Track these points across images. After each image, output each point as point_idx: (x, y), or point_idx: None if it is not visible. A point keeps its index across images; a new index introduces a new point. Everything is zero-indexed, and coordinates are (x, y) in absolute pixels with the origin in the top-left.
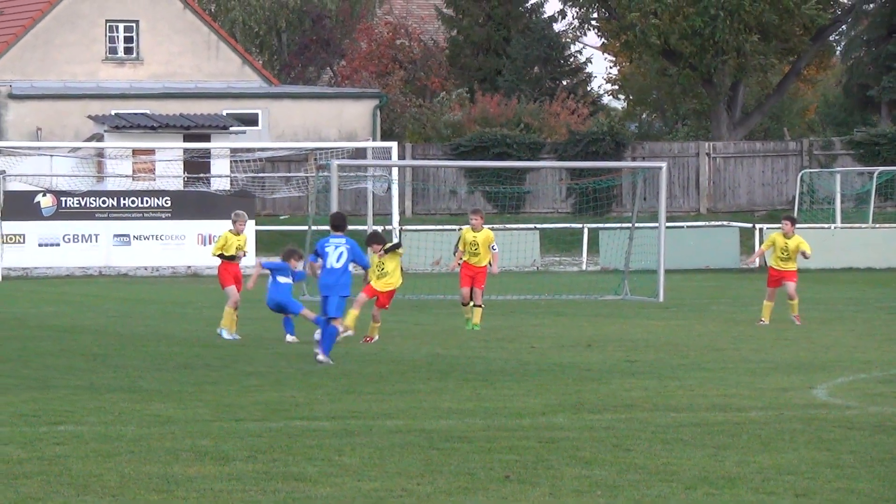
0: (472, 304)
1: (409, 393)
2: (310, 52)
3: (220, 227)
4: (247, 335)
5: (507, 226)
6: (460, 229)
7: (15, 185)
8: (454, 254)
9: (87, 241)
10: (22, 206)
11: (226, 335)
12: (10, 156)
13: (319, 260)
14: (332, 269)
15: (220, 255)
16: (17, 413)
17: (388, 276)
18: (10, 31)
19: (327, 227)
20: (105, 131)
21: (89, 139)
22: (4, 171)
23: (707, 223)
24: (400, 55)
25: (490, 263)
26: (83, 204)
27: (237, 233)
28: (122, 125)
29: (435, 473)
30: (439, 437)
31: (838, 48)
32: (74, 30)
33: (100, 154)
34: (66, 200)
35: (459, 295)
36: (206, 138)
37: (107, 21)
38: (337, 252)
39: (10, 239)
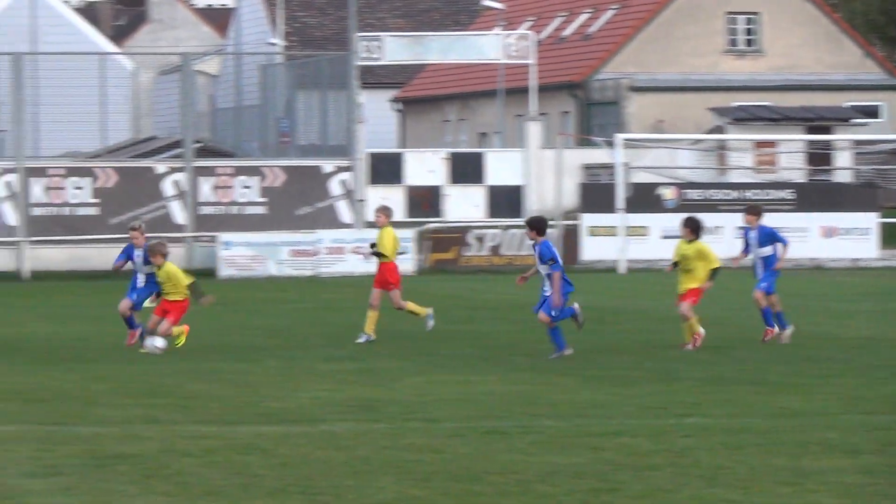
0: None
1: None
2: None
3: (844, 220)
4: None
5: None
6: None
7: (639, 177)
8: None
9: (709, 233)
10: (645, 198)
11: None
12: (633, 148)
13: None
14: None
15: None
16: (644, 406)
17: None
18: (631, 24)
19: None
20: (727, 123)
21: (710, 131)
22: (628, 163)
23: None
24: None
25: None
26: (706, 196)
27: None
28: (743, 117)
29: None
30: None
31: None
32: (695, 22)
33: (721, 146)
34: (688, 192)
35: None
36: (828, 130)
37: (727, 13)
38: None
39: (634, 231)
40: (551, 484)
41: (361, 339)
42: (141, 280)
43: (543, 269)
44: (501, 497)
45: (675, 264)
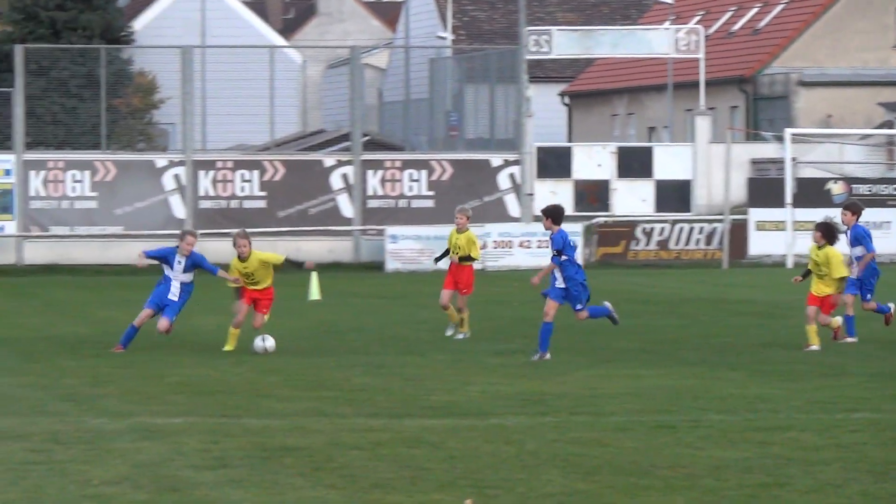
0: None
1: None
2: None
3: None
4: None
5: None
6: None
7: (807, 172)
8: None
9: (877, 229)
10: (813, 193)
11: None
12: (802, 143)
13: None
14: None
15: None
16: (812, 400)
17: None
18: (801, 19)
19: None
20: None
21: (880, 126)
22: (796, 158)
23: None
24: None
25: None
26: (874, 191)
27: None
28: None
29: None
30: None
31: None
32: (865, 17)
33: (891, 141)
34: (857, 188)
35: None
36: None
37: None
38: None
39: (802, 226)
40: (719, 478)
41: (459, 336)
42: (175, 289)
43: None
44: (669, 491)
45: (805, 274)
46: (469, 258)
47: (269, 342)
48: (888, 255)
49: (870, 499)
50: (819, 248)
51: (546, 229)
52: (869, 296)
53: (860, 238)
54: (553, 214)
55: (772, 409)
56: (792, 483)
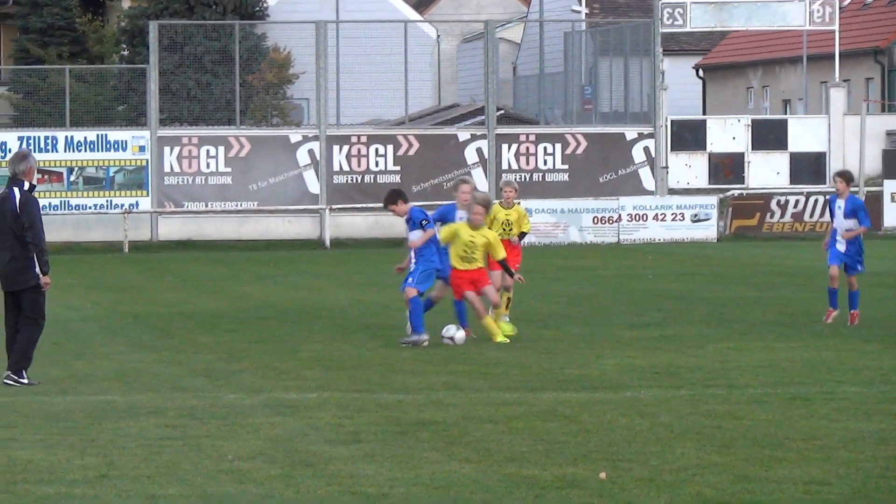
0: None
1: None
2: None
3: None
4: None
5: None
6: None
7: None
8: None
9: None
10: None
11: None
12: None
13: None
14: None
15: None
16: None
17: None
18: None
19: None
20: None
21: None
22: None
23: None
24: None
25: None
26: None
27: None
28: None
29: None
30: None
31: None
32: None
33: None
34: None
35: None
36: None
37: None
38: None
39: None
40: (854, 450)
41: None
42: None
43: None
44: (803, 463)
45: None
46: (523, 234)
47: (459, 334)
48: None
49: None
50: None
51: (400, 214)
52: (860, 267)
53: (858, 210)
54: (395, 197)
55: None
56: None
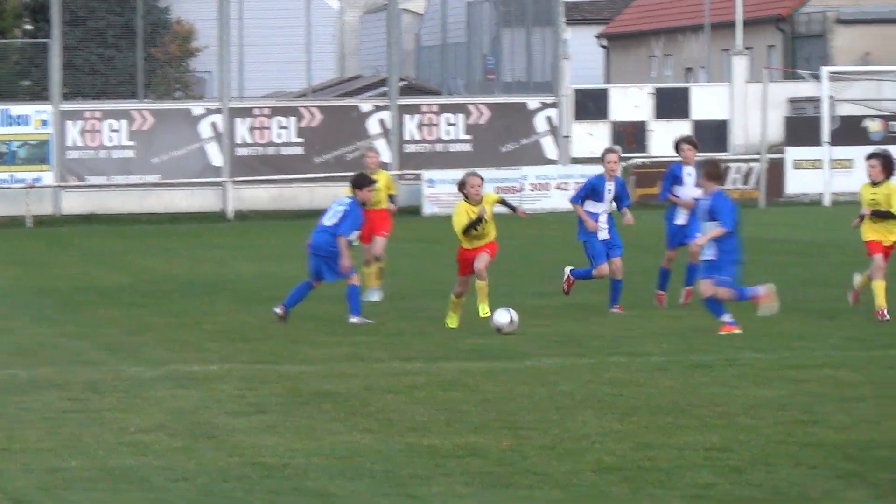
0: None
1: None
2: None
3: None
4: None
5: None
6: None
7: (844, 110)
8: None
9: None
10: (851, 131)
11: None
12: (839, 81)
13: None
14: None
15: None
16: (848, 337)
17: None
18: None
19: None
20: None
21: None
22: (833, 96)
23: None
24: None
25: None
26: None
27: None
28: None
29: None
30: None
31: None
32: None
33: None
34: (894, 125)
35: None
36: None
37: None
38: None
39: (839, 164)
40: (755, 416)
41: (375, 298)
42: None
43: None
44: (704, 430)
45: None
46: (391, 198)
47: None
48: None
49: None
50: (875, 185)
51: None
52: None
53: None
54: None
55: (807, 346)
56: (827, 420)
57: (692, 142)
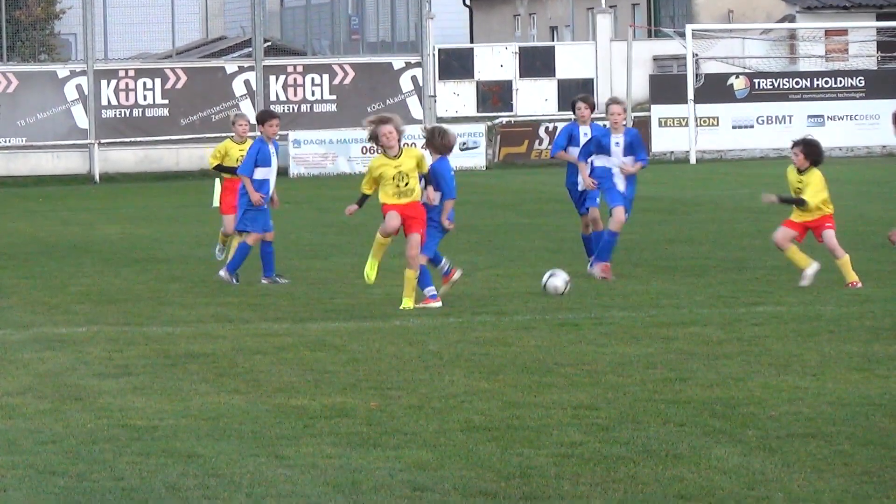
0: None
1: None
2: None
3: None
4: None
5: None
6: None
7: (709, 68)
8: None
9: (780, 123)
10: (715, 88)
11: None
12: (703, 38)
13: None
14: None
15: (220, 167)
16: (715, 295)
17: None
18: None
19: None
20: (797, 12)
21: (781, 20)
22: (698, 54)
23: None
24: None
25: None
26: (776, 85)
27: (241, 139)
28: (813, 5)
29: None
30: None
31: None
32: None
33: (792, 35)
34: (759, 82)
35: None
36: None
37: None
38: None
39: (704, 122)
40: (622, 374)
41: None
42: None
43: None
44: (571, 388)
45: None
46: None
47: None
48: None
49: (771, 391)
50: (800, 172)
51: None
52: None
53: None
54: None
55: (675, 304)
56: (694, 377)
57: (589, 101)
